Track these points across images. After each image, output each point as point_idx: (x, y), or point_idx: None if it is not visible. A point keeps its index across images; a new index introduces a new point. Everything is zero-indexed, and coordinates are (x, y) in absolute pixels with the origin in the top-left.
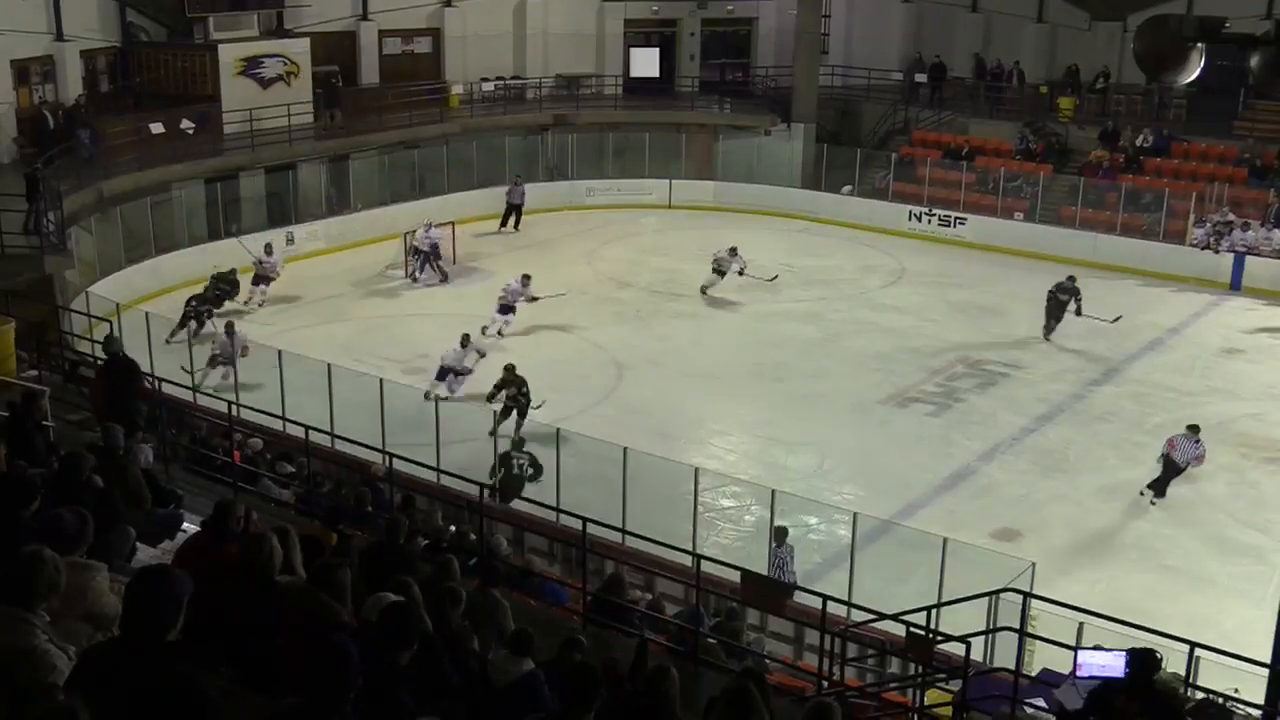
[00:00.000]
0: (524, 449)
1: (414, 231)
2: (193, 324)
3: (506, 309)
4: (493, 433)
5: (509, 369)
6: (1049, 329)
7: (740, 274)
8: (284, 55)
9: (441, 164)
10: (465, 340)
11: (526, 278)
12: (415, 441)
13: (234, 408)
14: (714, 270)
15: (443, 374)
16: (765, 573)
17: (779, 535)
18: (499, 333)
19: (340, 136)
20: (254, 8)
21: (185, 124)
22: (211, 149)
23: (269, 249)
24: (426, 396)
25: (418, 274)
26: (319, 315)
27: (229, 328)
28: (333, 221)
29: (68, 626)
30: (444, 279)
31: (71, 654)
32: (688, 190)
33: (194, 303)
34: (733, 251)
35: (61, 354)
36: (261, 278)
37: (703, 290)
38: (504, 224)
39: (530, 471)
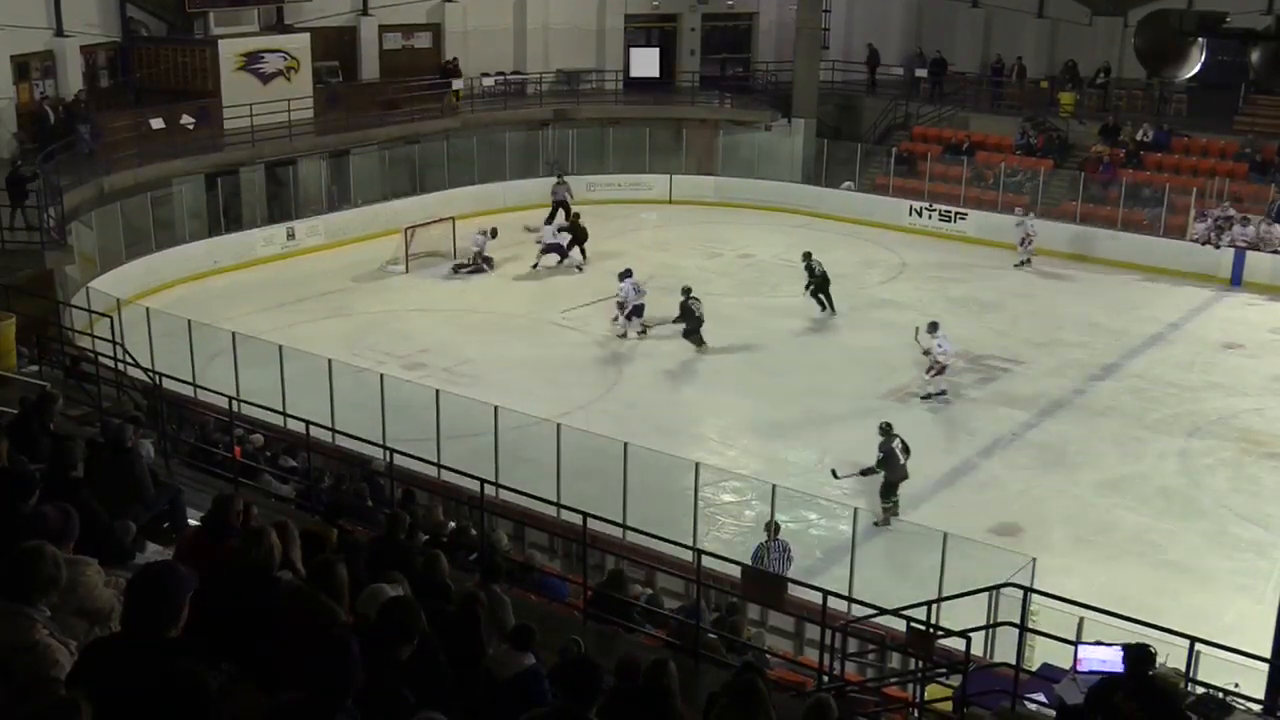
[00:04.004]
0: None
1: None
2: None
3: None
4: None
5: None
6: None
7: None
8: (284, 51)
9: (442, 159)
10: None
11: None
12: (416, 436)
13: (234, 403)
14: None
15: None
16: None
17: (772, 530)
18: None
19: (342, 131)
20: (254, 3)
21: (185, 119)
22: (212, 144)
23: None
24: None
25: (480, 269)
26: (319, 310)
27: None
28: (333, 217)
29: (64, 622)
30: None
31: (72, 649)
32: (688, 186)
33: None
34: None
35: (62, 349)
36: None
37: None
38: (549, 221)
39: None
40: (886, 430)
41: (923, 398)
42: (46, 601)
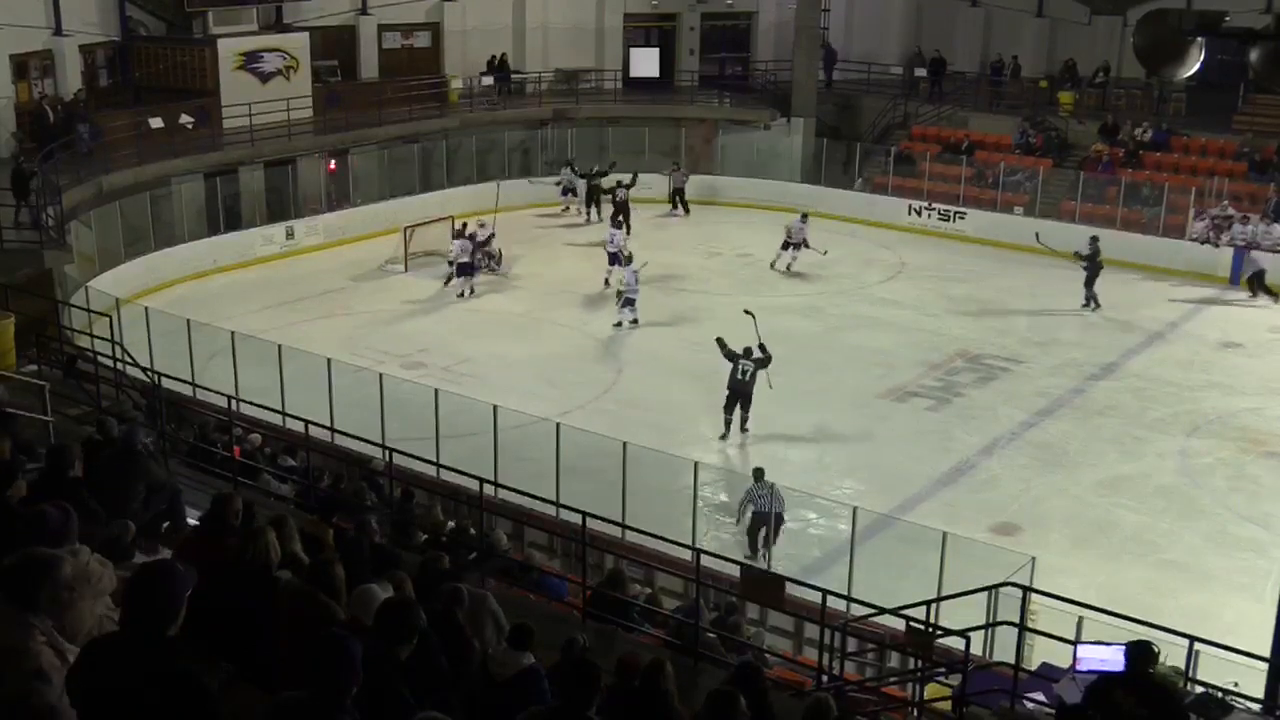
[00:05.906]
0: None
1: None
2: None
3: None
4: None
5: None
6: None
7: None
8: (283, 50)
9: (441, 158)
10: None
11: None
12: (415, 435)
13: (234, 403)
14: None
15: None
16: (739, 507)
17: (756, 474)
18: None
19: (342, 130)
20: (253, 2)
21: (184, 119)
22: (211, 144)
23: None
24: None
25: (493, 267)
26: (319, 310)
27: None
28: (332, 216)
29: (84, 610)
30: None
31: (69, 652)
32: (688, 185)
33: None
34: (804, 219)
35: (61, 349)
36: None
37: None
38: (673, 206)
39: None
40: (746, 353)
41: (615, 325)
42: (52, 615)
